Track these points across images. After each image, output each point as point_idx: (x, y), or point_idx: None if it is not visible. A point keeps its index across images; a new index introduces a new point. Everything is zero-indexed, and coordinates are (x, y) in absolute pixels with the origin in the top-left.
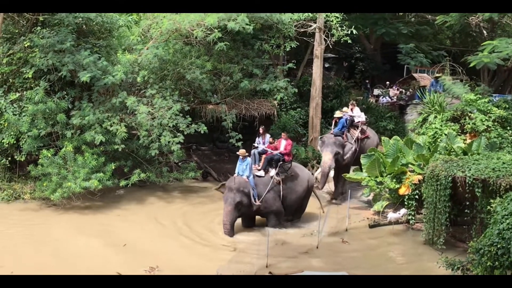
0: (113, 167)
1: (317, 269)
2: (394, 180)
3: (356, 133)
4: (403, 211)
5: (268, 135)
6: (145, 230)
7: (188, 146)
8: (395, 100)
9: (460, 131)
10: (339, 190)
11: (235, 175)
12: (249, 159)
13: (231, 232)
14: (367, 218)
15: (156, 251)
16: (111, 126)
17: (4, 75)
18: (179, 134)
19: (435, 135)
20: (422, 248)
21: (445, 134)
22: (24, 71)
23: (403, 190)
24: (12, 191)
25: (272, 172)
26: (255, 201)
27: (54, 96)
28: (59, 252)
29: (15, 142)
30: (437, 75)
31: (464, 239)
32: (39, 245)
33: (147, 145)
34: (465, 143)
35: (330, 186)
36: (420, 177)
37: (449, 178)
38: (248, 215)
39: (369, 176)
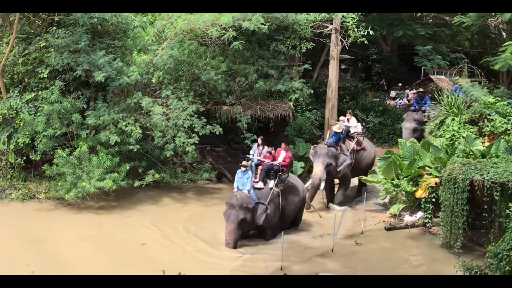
0: (128, 168)
1: (332, 272)
2: (411, 182)
3: (352, 144)
4: (419, 214)
5: (266, 147)
6: (160, 231)
7: (202, 147)
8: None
9: (478, 134)
10: (336, 201)
11: (235, 190)
12: (250, 172)
13: (234, 247)
14: (383, 221)
15: (170, 252)
16: (126, 126)
17: (20, 75)
18: (194, 135)
19: (453, 137)
20: (439, 252)
21: (463, 137)
22: (40, 71)
23: (420, 193)
24: (27, 191)
25: (271, 183)
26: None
27: (69, 96)
28: (70, 251)
29: (30, 141)
30: (460, 80)
31: (482, 243)
32: (52, 244)
33: (161, 146)
34: (483, 146)
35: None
36: (437, 180)
37: (467, 181)
38: (246, 230)
39: (385, 179)
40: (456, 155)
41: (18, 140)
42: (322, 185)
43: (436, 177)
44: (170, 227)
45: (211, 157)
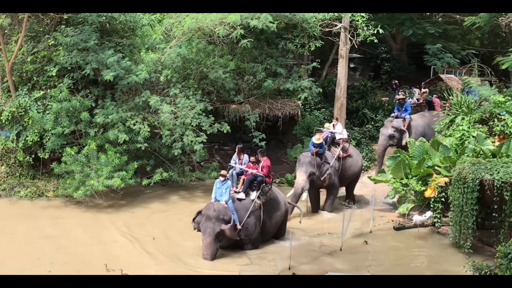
0: (136, 166)
1: (341, 271)
2: (420, 182)
3: (337, 151)
4: (429, 213)
5: (246, 155)
6: (168, 229)
7: (210, 146)
8: (422, 101)
9: (488, 133)
10: (329, 207)
11: (212, 200)
12: (229, 182)
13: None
14: (392, 221)
15: (179, 250)
16: (134, 125)
17: (29, 73)
18: (202, 133)
19: (463, 137)
20: (448, 252)
21: (473, 136)
22: (48, 69)
23: (429, 193)
24: (35, 189)
25: (253, 195)
26: (237, 227)
27: (78, 95)
28: (79, 249)
29: (39, 139)
30: (470, 80)
31: (492, 243)
32: (60, 242)
33: (169, 144)
34: (494, 146)
35: None
36: (447, 179)
37: (477, 181)
38: (225, 243)
39: (394, 178)
40: (466, 154)
41: (26, 138)
42: (305, 195)
43: (446, 176)
44: (178, 225)
45: (219, 156)
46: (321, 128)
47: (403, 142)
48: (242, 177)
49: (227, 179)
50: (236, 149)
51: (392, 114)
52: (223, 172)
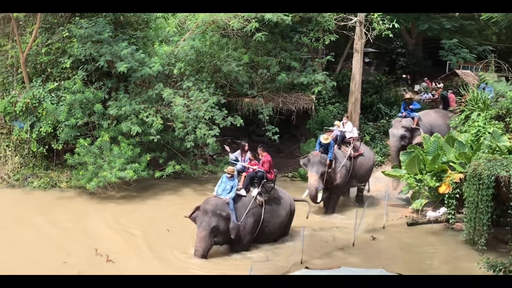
0: (148, 158)
1: (353, 266)
2: (434, 178)
3: (348, 150)
4: (443, 209)
5: (249, 153)
6: (180, 222)
7: (223, 139)
8: (437, 97)
9: (504, 130)
10: (329, 211)
11: (214, 194)
12: (236, 180)
13: (204, 257)
14: (405, 216)
15: (189, 244)
16: (147, 117)
17: (43, 64)
18: (214, 126)
19: (478, 133)
20: (462, 248)
21: (489, 133)
22: (62, 61)
23: (443, 189)
24: (48, 179)
25: (254, 191)
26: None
27: (91, 86)
28: (91, 241)
29: (52, 131)
30: (486, 75)
31: (507, 241)
32: (74, 233)
33: (182, 137)
34: (510, 142)
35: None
36: (462, 175)
37: (492, 178)
38: (220, 241)
39: (408, 173)
40: (481, 150)
41: (40, 129)
42: (320, 195)
43: (460, 172)
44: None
45: (232, 149)
46: (330, 128)
47: (415, 141)
48: (243, 174)
49: (234, 175)
50: (241, 146)
51: (400, 114)
52: (229, 168)
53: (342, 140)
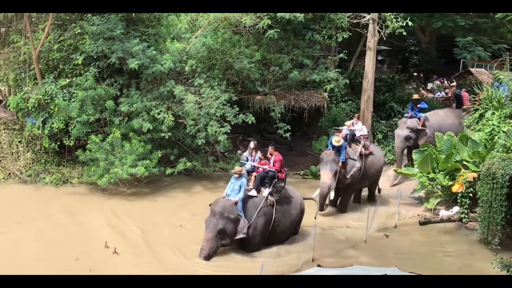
0: (160, 155)
1: (365, 264)
2: (447, 177)
3: (359, 148)
4: (455, 209)
5: (259, 152)
6: (191, 219)
7: (235, 137)
8: (451, 95)
9: None
10: (340, 210)
11: (224, 195)
12: (244, 179)
13: (208, 258)
14: (418, 215)
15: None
16: (158, 114)
17: (55, 61)
18: (226, 124)
19: (492, 132)
20: (475, 248)
21: (504, 131)
22: (74, 58)
23: (456, 188)
24: (60, 175)
25: (266, 191)
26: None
27: (103, 83)
28: (102, 236)
29: (64, 127)
30: (501, 74)
31: None
32: (87, 228)
33: (193, 134)
34: None
35: None
36: (475, 174)
37: (507, 177)
38: (227, 243)
39: (421, 172)
40: (495, 149)
41: (52, 125)
42: (332, 194)
43: (474, 171)
44: (199, 215)
45: (243, 147)
46: (339, 128)
47: (421, 142)
48: (254, 174)
49: (243, 175)
50: (252, 144)
51: (406, 115)
52: (237, 168)
53: (352, 138)
